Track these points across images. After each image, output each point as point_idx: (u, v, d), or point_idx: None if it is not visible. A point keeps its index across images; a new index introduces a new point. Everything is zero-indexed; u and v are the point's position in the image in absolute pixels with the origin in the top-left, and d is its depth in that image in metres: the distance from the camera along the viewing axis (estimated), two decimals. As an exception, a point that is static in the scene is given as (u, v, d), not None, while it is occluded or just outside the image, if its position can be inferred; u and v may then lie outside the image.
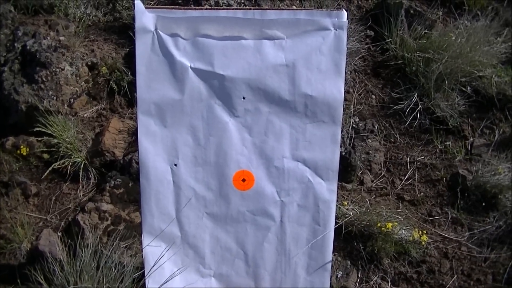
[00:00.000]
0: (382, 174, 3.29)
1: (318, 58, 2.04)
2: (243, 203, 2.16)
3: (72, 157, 3.16)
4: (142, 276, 2.16)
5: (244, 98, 2.06)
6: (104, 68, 3.60)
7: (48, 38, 3.59)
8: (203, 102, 2.06)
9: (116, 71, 3.60)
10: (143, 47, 1.99)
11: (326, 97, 2.05)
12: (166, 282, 2.15)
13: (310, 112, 2.08)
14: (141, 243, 2.17)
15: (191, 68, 2.02)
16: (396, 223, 2.72)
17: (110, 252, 2.32)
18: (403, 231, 2.75)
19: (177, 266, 2.18)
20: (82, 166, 3.17)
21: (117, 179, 3.02)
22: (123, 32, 3.92)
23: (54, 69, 3.43)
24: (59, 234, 2.87)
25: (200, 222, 2.18)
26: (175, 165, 2.10)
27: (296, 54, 2.03)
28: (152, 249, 2.14)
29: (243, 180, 2.14)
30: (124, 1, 4.05)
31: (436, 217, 3.04)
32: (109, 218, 2.84)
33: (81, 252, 2.30)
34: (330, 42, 2.03)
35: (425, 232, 2.80)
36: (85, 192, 3.14)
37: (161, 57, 2.01)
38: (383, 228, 2.68)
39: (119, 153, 3.22)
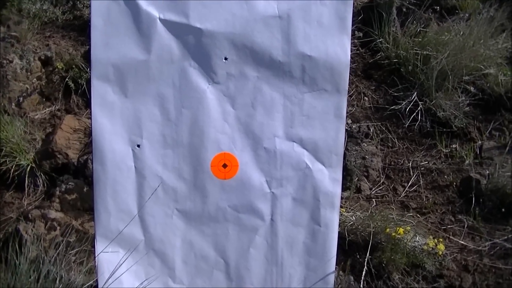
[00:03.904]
0: (381, 181, 3.04)
1: (319, 9, 1.73)
2: (224, 196, 1.83)
3: (17, 159, 2.79)
4: (95, 290, 1.81)
5: (226, 59, 1.75)
6: (60, 63, 3.34)
7: (-3, 31, 3.31)
8: (174, 64, 1.73)
9: (73, 67, 3.34)
10: (100, -6, 1.69)
11: (328, 59, 1.74)
12: (125, 299, 1.82)
13: (309, 78, 1.76)
14: (94, 251, 1.82)
15: (160, 19, 1.70)
16: (409, 228, 2.32)
17: (51, 263, 1.99)
18: (418, 237, 2.35)
19: (139, 279, 1.85)
20: (28, 170, 2.84)
21: (70, 183, 2.71)
22: (84, 30, 3.68)
23: (0, 61, 3.13)
24: (-4, 247, 2.53)
25: (169, 222, 1.84)
26: (138, 146, 1.77)
27: (291, 4, 1.72)
28: (108, 256, 1.79)
29: (224, 165, 1.81)
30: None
31: (449, 226, 2.76)
32: (58, 227, 2.52)
33: (19, 266, 1.95)
34: (333, -10, 1.81)
35: (441, 240, 2.43)
36: (30, 201, 2.83)
37: (122, 7, 1.68)
38: (393, 234, 2.29)
39: (73, 154, 2.92)
